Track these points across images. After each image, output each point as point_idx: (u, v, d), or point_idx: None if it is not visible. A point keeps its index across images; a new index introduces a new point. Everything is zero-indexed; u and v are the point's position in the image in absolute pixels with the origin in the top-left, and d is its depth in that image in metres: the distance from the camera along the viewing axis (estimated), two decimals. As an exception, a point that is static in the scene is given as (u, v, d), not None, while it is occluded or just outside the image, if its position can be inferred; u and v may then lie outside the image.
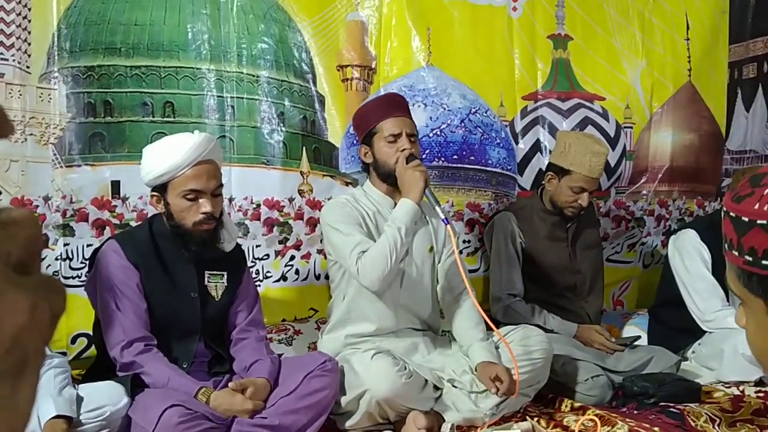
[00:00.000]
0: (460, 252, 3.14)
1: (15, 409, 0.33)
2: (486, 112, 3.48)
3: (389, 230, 2.24)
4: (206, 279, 2.22)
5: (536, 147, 3.61)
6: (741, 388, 2.63)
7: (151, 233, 2.18)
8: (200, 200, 2.08)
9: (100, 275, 2.11)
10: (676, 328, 3.02)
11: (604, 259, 3.38)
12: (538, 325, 2.68)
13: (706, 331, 2.94)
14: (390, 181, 2.39)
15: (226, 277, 2.25)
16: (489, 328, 2.33)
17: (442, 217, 2.24)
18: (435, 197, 2.29)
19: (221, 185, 2.16)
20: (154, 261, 2.15)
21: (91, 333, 2.44)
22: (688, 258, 3.01)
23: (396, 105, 2.46)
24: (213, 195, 2.10)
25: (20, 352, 0.32)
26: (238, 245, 2.36)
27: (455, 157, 3.39)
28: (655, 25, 3.88)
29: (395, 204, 2.37)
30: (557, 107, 3.66)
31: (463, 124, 3.40)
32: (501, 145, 3.51)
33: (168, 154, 2.06)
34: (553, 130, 3.60)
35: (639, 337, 3.06)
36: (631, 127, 3.83)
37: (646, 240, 3.92)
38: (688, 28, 3.95)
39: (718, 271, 2.99)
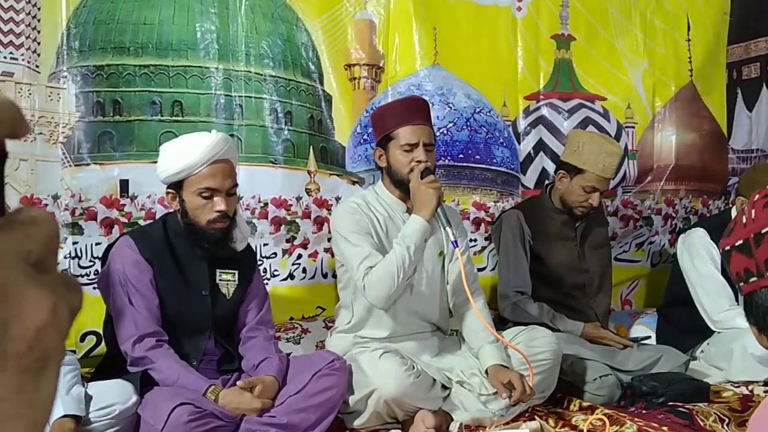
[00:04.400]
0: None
1: (37, 404, 0.33)
2: (489, 112, 3.49)
3: (398, 248, 2.20)
4: (218, 277, 2.23)
5: (539, 146, 3.62)
6: (750, 387, 2.62)
7: (165, 231, 2.20)
8: (215, 198, 2.10)
9: (114, 270, 2.13)
10: (685, 327, 3.01)
11: (613, 258, 3.37)
12: (545, 324, 2.67)
13: (714, 331, 2.93)
14: (403, 188, 2.34)
15: (237, 275, 2.27)
16: (498, 329, 2.32)
17: (452, 239, 2.19)
18: (447, 217, 2.23)
19: (236, 185, 2.18)
20: (168, 258, 2.17)
21: (100, 331, 2.45)
22: (698, 257, 3.00)
23: (416, 111, 2.35)
24: (228, 194, 2.12)
25: (42, 348, 0.33)
26: (249, 245, 2.37)
27: (461, 156, 3.40)
28: (657, 26, 3.89)
29: (407, 208, 2.35)
30: (559, 107, 3.67)
31: (468, 124, 3.40)
32: (504, 144, 3.53)
33: (185, 152, 2.08)
34: (554, 130, 3.62)
35: (649, 336, 3.05)
36: (633, 127, 3.84)
37: (654, 239, 3.91)
38: (689, 29, 3.95)
39: (726, 270, 2.98)
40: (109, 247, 2.22)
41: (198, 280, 2.19)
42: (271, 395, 2.08)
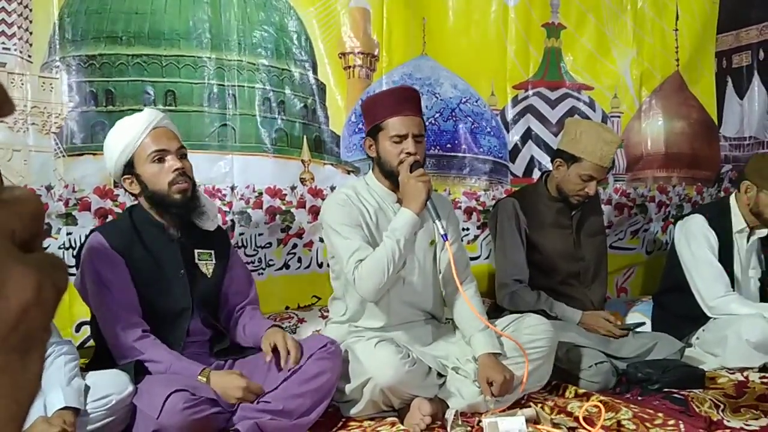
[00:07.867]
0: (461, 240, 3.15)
1: (23, 384, 0.33)
2: (476, 102, 3.49)
3: (388, 242, 2.21)
4: (196, 257, 2.25)
5: (527, 135, 3.63)
6: (745, 373, 2.63)
7: (132, 221, 2.21)
8: (167, 159, 2.13)
9: (88, 269, 2.13)
10: (681, 314, 3.02)
11: (608, 246, 3.37)
12: (542, 312, 2.68)
13: (710, 318, 2.94)
14: (393, 179, 2.33)
15: (213, 254, 2.30)
16: (495, 317, 2.32)
17: (442, 233, 2.19)
18: (436, 210, 2.22)
19: (184, 147, 2.20)
20: (138, 246, 2.17)
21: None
22: (695, 243, 3.01)
23: (406, 102, 2.34)
24: (178, 156, 2.15)
25: (27, 328, 0.32)
26: (220, 227, 2.39)
27: (449, 145, 3.41)
28: (647, 14, 3.88)
29: (398, 199, 2.34)
30: (546, 96, 3.68)
31: (453, 114, 3.41)
32: (491, 133, 3.54)
33: (122, 133, 2.14)
34: (542, 119, 3.63)
35: (644, 323, 3.06)
36: (619, 117, 3.84)
37: (649, 226, 3.92)
38: (677, 18, 3.95)
39: (724, 257, 2.99)
40: (80, 248, 2.22)
41: (171, 262, 2.20)
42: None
